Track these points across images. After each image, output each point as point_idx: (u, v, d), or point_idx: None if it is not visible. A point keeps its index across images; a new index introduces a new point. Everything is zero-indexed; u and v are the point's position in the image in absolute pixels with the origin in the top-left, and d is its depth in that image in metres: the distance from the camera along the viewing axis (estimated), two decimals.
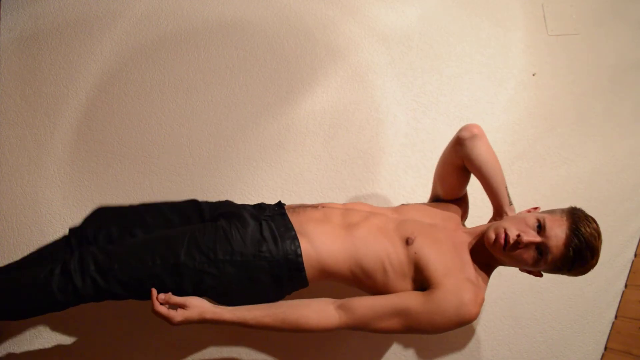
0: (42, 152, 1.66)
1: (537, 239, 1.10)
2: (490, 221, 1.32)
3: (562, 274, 1.15)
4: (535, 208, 1.25)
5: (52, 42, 1.72)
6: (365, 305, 1.12)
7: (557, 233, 1.09)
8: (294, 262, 1.15)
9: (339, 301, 1.14)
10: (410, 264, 1.16)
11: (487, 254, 1.20)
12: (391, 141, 1.78)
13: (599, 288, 1.79)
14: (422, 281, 1.15)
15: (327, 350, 1.65)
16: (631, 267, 1.80)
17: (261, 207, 1.31)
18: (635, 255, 1.81)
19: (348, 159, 1.75)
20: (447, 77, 1.84)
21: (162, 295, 1.10)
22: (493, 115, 1.83)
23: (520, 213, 1.24)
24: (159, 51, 1.74)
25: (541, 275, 1.20)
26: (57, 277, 1.11)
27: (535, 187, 1.78)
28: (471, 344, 1.72)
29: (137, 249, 1.15)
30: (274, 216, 1.23)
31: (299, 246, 1.15)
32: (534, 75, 1.88)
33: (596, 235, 1.10)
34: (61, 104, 1.69)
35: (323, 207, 1.29)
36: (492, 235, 1.14)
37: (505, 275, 1.75)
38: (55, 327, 1.59)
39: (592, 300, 1.78)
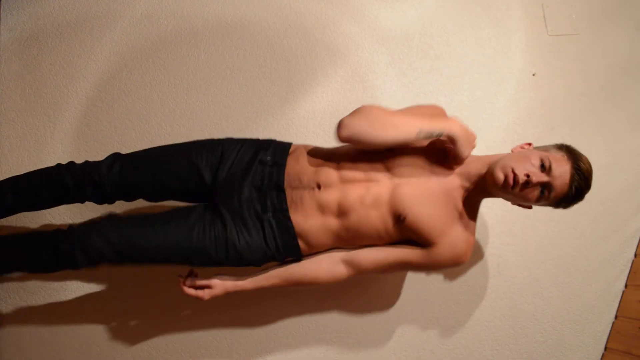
0: (42, 152, 1.66)
1: (545, 178, 1.16)
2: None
3: (559, 207, 1.23)
4: (529, 144, 1.29)
5: (52, 42, 1.72)
6: (370, 260, 1.28)
7: (562, 172, 1.16)
8: (295, 258, 1.33)
9: (345, 256, 1.30)
10: (403, 233, 1.26)
11: (478, 193, 1.27)
12: None
13: (599, 288, 1.79)
14: (417, 239, 1.26)
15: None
16: (631, 267, 1.80)
17: (261, 189, 1.28)
18: (635, 255, 1.81)
19: None
20: (447, 77, 1.84)
21: (188, 282, 1.29)
22: (493, 115, 1.83)
23: (515, 149, 1.28)
24: (159, 51, 1.74)
25: (531, 207, 1.27)
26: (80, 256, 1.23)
27: None
28: (471, 344, 1.73)
29: (150, 253, 1.25)
30: (276, 214, 1.27)
31: (299, 248, 1.29)
32: (534, 75, 1.88)
33: (591, 170, 1.20)
34: (61, 104, 1.69)
35: (319, 189, 1.26)
36: (501, 176, 1.17)
37: (505, 275, 1.75)
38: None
39: (592, 300, 1.78)
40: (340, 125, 1.19)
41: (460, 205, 1.27)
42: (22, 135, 1.66)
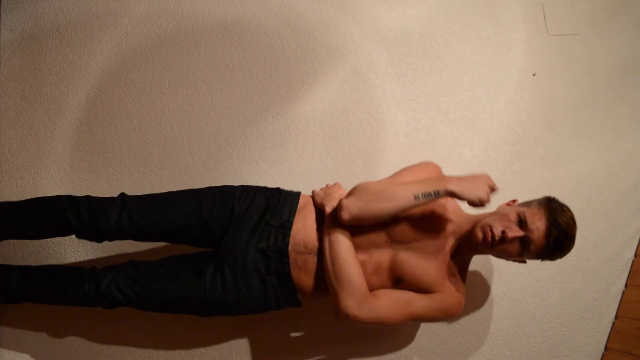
0: (42, 152, 1.66)
1: (520, 233, 1.22)
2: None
3: (544, 260, 1.28)
4: (514, 201, 1.36)
5: (52, 42, 1.72)
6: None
7: (538, 226, 1.21)
8: (293, 307, 1.39)
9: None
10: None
11: (468, 249, 1.35)
12: (391, 141, 1.78)
13: (599, 288, 1.79)
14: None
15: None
16: (631, 267, 1.80)
17: (265, 253, 1.31)
18: (635, 255, 1.81)
19: (348, 159, 1.75)
20: (447, 77, 1.84)
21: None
22: (493, 115, 1.83)
23: (500, 207, 1.34)
24: (159, 51, 1.74)
25: (525, 262, 1.33)
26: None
27: (535, 187, 1.78)
28: (471, 344, 1.72)
29: (159, 308, 1.37)
30: (279, 277, 1.32)
31: (299, 302, 1.37)
32: (534, 75, 1.88)
33: (572, 223, 1.23)
34: (61, 104, 1.69)
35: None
36: (480, 234, 1.25)
37: (505, 275, 1.75)
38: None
39: (592, 300, 1.78)
40: (340, 208, 1.23)
41: (453, 264, 1.35)
42: (22, 135, 1.66)
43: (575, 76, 1.89)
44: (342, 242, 1.24)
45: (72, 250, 1.62)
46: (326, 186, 1.41)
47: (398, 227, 1.30)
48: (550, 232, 1.20)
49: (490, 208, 1.28)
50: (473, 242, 1.28)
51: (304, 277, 1.31)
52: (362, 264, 1.27)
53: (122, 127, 1.69)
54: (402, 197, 1.21)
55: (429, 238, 1.30)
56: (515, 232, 1.22)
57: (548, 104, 1.86)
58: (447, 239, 1.33)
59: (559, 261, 1.76)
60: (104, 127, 1.69)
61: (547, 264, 1.76)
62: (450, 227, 1.33)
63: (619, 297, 1.80)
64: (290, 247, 1.30)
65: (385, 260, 1.30)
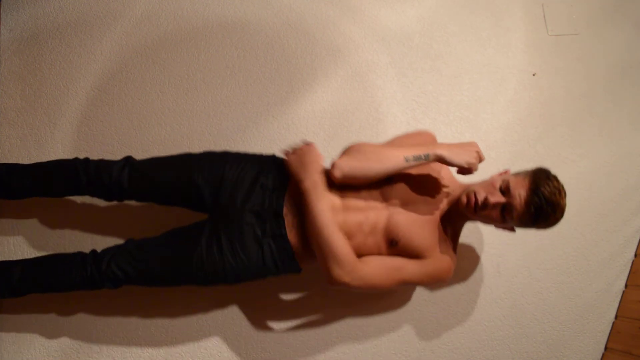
0: (42, 152, 1.66)
1: (502, 199, 1.26)
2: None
3: (529, 228, 1.30)
4: (506, 171, 1.39)
5: (52, 42, 1.72)
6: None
7: (520, 193, 1.24)
8: (293, 273, 1.39)
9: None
10: (393, 254, 1.34)
11: (459, 215, 1.38)
12: None
13: (599, 288, 1.79)
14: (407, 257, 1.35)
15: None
16: (631, 267, 1.81)
17: (260, 215, 1.33)
18: (635, 255, 1.81)
19: None
20: (447, 77, 1.84)
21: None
22: (493, 115, 1.83)
23: (492, 176, 1.37)
24: (159, 51, 1.74)
25: (514, 231, 1.38)
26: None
27: None
28: (472, 344, 1.73)
29: (159, 282, 1.39)
30: (275, 238, 1.32)
31: (298, 267, 1.36)
32: (534, 75, 1.88)
33: (556, 192, 1.24)
34: (61, 104, 1.69)
35: None
36: (464, 199, 1.30)
37: (505, 275, 1.75)
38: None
39: (592, 300, 1.78)
40: (333, 167, 1.28)
41: (445, 229, 1.39)
42: (22, 135, 1.66)
43: (575, 76, 1.89)
44: (322, 216, 1.24)
45: (70, 237, 1.62)
46: (299, 148, 1.37)
47: (394, 188, 1.33)
48: (532, 199, 1.22)
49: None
50: (459, 207, 1.33)
51: (301, 239, 1.32)
52: (358, 225, 1.31)
53: (122, 127, 1.69)
54: (393, 159, 1.26)
55: (424, 201, 1.35)
56: (497, 198, 1.26)
57: (548, 104, 1.86)
58: (441, 203, 1.37)
59: (559, 261, 1.78)
60: (104, 127, 1.69)
61: (547, 263, 1.77)
62: (443, 192, 1.38)
63: (619, 297, 1.80)
64: (285, 209, 1.32)
65: (381, 221, 1.32)
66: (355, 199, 1.33)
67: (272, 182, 1.35)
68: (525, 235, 1.77)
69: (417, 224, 1.33)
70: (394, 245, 1.32)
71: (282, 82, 1.77)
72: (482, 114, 1.83)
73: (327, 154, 1.73)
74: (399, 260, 1.32)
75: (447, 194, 1.38)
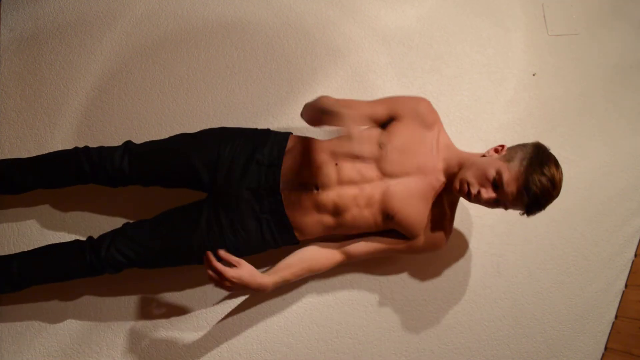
0: (42, 152, 1.64)
1: (493, 195, 1.27)
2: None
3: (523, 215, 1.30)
4: (502, 146, 1.34)
5: (52, 42, 1.72)
6: (362, 251, 1.42)
7: (512, 190, 1.23)
8: (292, 244, 1.43)
9: (340, 246, 1.42)
10: (389, 227, 1.39)
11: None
12: None
13: (599, 288, 1.79)
14: (402, 232, 1.40)
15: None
16: (631, 267, 1.81)
17: (257, 193, 1.34)
18: (635, 255, 1.81)
19: None
20: (447, 77, 1.84)
21: (221, 252, 1.22)
22: (493, 115, 1.83)
23: (488, 153, 1.34)
24: (159, 51, 1.74)
25: (506, 208, 1.34)
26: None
27: None
28: (472, 344, 1.73)
29: (161, 262, 1.40)
30: (273, 213, 1.34)
31: (296, 238, 1.40)
32: (534, 75, 1.88)
33: (548, 185, 1.22)
34: (61, 104, 1.69)
35: (317, 190, 1.33)
36: (457, 186, 1.31)
37: (505, 276, 1.75)
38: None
39: (592, 300, 1.79)
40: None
41: (443, 201, 1.41)
42: (22, 135, 1.66)
43: (575, 76, 1.89)
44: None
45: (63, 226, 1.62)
46: (229, 278, 1.25)
47: (390, 161, 1.33)
48: (522, 198, 1.23)
49: (482, 149, 1.35)
50: (453, 190, 1.34)
51: (299, 214, 1.34)
52: (354, 198, 1.33)
53: (122, 127, 1.69)
54: (334, 105, 1.30)
55: (420, 173, 1.35)
56: (489, 194, 1.27)
57: (548, 104, 1.86)
58: (437, 176, 1.37)
59: (559, 261, 1.78)
60: (104, 127, 1.69)
61: (547, 263, 1.77)
62: (440, 165, 1.38)
63: (619, 297, 1.80)
64: (281, 185, 1.33)
65: (377, 194, 1.33)
66: (351, 172, 1.33)
67: (268, 157, 1.36)
68: (526, 235, 1.77)
69: (413, 198, 1.34)
70: (390, 219, 1.35)
71: (282, 82, 1.77)
72: (482, 114, 1.83)
73: None
74: (388, 245, 1.41)
75: (444, 166, 1.38)
